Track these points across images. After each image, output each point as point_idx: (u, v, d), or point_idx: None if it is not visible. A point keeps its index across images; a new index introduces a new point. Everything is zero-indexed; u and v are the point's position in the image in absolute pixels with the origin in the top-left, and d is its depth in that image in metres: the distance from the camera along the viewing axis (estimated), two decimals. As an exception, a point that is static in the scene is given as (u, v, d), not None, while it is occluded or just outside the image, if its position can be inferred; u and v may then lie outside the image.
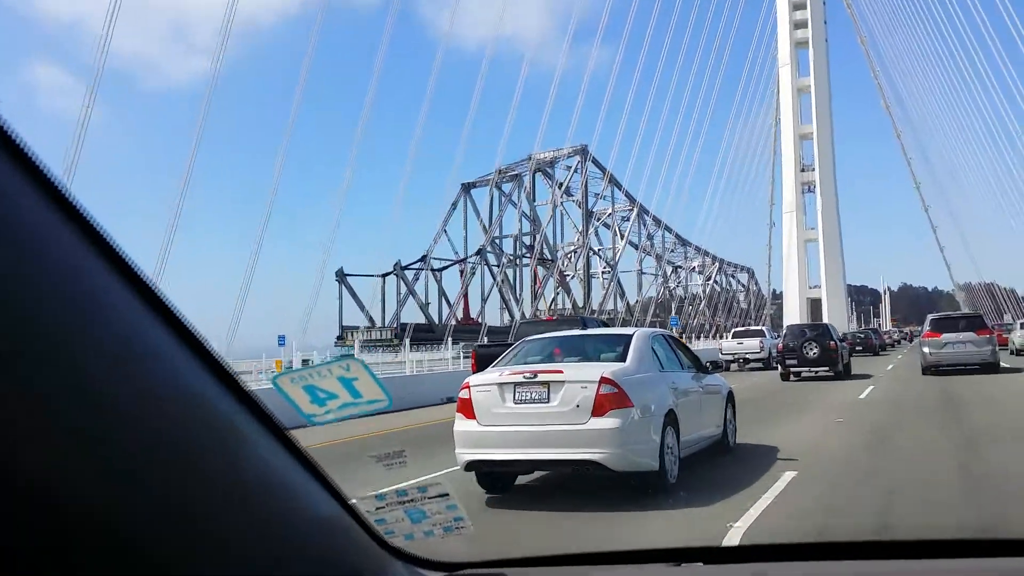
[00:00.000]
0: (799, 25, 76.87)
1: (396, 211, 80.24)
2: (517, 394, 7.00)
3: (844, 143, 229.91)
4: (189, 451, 0.68)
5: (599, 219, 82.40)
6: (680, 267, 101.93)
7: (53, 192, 0.60)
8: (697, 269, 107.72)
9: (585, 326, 14.84)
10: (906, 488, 6.87)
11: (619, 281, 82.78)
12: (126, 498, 0.61)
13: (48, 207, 0.59)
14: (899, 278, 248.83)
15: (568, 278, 78.27)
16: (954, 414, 12.44)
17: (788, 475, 7.36)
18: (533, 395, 6.95)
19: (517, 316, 73.45)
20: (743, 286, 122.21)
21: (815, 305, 79.39)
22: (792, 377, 22.84)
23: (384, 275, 63.39)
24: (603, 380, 6.71)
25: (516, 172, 72.91)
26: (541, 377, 6.96)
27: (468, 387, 7.31)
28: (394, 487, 1.24)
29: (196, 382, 0.71)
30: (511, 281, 75.31)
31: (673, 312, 73.96)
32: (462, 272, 68.80)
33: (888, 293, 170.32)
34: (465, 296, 69.46)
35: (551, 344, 8.20)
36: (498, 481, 7.37)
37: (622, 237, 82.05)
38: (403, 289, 65.44)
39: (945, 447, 8.97)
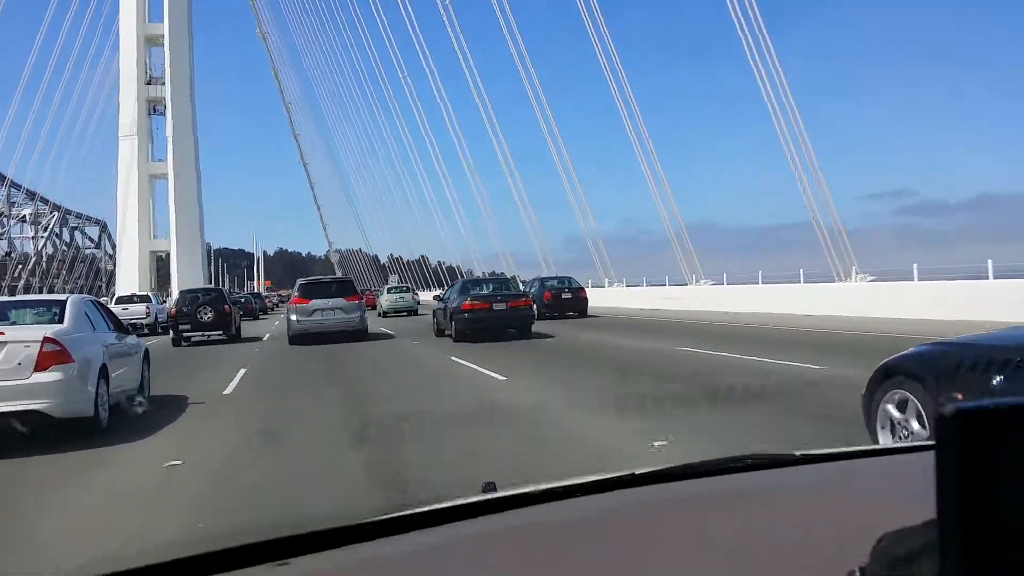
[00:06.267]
0: None
1: None
2: (-49, 355, 9.49)
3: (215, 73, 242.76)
4: None
5: None
6: (3, 215, 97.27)
7: None
8: (29, 219, 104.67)
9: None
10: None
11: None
12: None
13: None
14: (277, 243, 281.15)
15: None
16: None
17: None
18: (-32, 356, 9.55)
19: None
20: (93, 242, 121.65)
21: (163, 262, 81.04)
22: (184, 343, 27.59)
23: None
24: (46, 339, 9.54)
25: None
26: (-19, 339, 9.57)
27: None
28: None
29: None
30: None
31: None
32: None
33: (263, 257, 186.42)
34: None
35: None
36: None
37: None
38: None
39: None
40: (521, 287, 34.32)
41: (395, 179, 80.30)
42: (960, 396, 5.32)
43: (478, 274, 57.05)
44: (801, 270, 30.57)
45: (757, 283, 32.66)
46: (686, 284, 37.51)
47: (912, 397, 5.80)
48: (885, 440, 5.96)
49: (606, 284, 43.99)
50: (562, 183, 45.73)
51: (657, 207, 38.86)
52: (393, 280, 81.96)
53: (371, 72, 70.31)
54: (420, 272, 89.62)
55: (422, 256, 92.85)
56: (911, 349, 6.25)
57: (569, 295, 34.44)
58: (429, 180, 69.99)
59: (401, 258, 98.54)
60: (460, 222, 64.32)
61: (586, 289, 36.09)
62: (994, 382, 5.13)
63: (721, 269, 37.42)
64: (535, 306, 26.68)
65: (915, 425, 5.76)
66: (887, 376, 6.12)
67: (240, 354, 22.84)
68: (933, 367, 5.75)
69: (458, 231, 66.17)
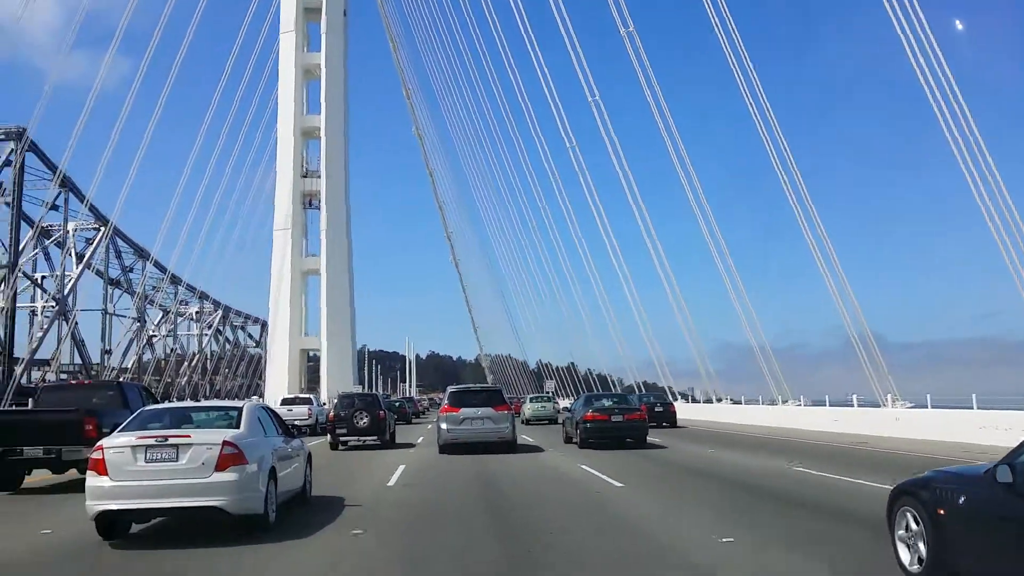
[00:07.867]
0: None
1: None
2: (148, 454, 11.86)
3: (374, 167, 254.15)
4: None
5: (49, 236, 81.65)
6: (170, 312, 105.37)
7: None
8: (194, 317, 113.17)
9: (122, 391, 20.25)
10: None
11: (75, 322, 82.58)
12: None
13: None
14: (428, 346, 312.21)
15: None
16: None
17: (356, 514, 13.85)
18: (163, 455, 11.86)
19: None
20: (255, 341, 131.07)
21: (313, 361, 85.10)
22: (341, 446, 30.96)
23: None
24: (225, 443, 11.95)
25: None
26: (171, 440, 11.95)
27: (102, 449, 11.99)
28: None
29: None
30: None
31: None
32: None
33: (415, 360, 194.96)
34: None
35: (170, 413, 13.48)
36: (115, 529, 12.11)
37: (79, 261, 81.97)
38: None
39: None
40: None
41: (549, 285, 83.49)
42: (942, 512, 7.29)
43: (630, 383, 66.00)
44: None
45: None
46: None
47: (915, 512, 7.87)
48: (901, 544, 8.18)
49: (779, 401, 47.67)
50: (726, 290, 49.77)
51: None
52: (549, 386, 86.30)
53: (539, 171, 73.21)
54: (572, 378, 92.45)
55: (571, 363, 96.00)
56: (921, 475, 8.31)
57: (661, 409, 45.91)
58: (582, 287, 74.26)
59: (550, 364, 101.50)
60: (612, 329, 67.75)
61: (675, 404, 48.59)
62: (960, 501, 7.11)
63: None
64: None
65: (920, 543, 7.82)
66: (901, 495, 8.26)
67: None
68: (928, 489, 7.80)
69: (610, 339, 68.97)
